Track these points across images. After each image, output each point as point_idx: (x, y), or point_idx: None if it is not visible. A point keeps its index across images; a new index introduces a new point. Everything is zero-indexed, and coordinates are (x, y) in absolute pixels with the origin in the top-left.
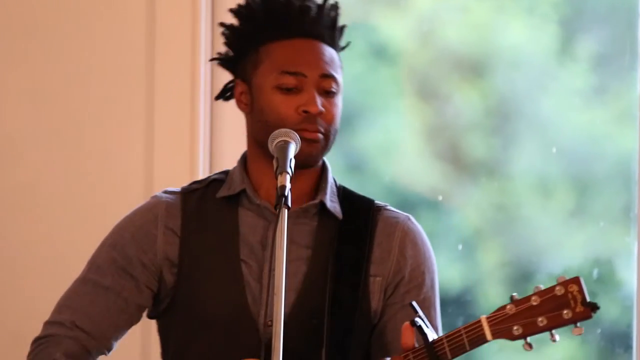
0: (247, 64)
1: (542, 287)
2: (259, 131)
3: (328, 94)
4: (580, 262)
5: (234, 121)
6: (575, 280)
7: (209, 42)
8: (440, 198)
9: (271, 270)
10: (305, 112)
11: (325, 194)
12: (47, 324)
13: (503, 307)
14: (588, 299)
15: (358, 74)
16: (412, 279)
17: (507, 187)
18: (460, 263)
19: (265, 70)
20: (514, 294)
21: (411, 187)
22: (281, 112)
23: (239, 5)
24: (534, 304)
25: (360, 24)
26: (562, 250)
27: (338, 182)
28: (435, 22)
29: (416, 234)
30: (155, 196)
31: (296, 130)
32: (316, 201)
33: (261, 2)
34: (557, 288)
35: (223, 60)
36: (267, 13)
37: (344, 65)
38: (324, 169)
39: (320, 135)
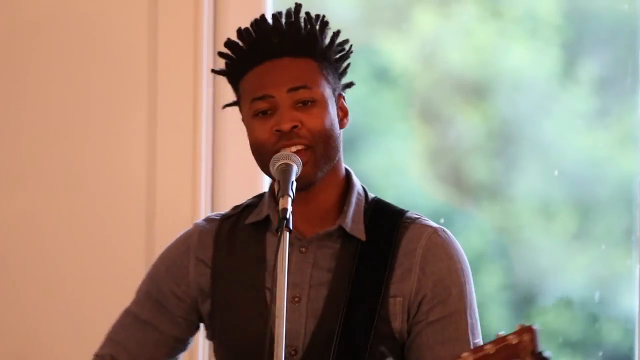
0: (238, 103)
1: (504, 333)
2: (257, 162)
3: (305, 105)
4: (582, 284)
5: (236, 127)
6: (528, 329)
7: (211, 47)
8: (442, 220)
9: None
10: (278, 131)
11: (346, 217)
12: (94, 356)
13: (459, 356)
14: (538, 349)
15: (361, 96)
16: (435, 295)
17: (510, 210)
18: None
19: (244, 104)
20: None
21: (413, 210)
22: (258, 137)
23: (225, 44)
24: (490, 352)
25: (363, 47)
26: (564, 273)
27: (371, 195)
28: (438, 45)
29: (440, 248)
30: (195, 223)
31: (275, 151)
32: (335, 227)
33: (239, 36)
34: (511, 337)
35: (232, 105)
36: (243, 45)
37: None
38: (348, 187)
39: (303, 148)
